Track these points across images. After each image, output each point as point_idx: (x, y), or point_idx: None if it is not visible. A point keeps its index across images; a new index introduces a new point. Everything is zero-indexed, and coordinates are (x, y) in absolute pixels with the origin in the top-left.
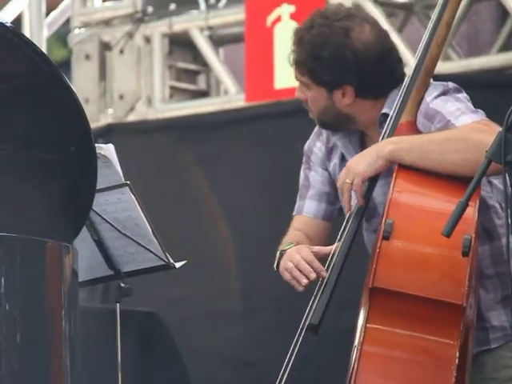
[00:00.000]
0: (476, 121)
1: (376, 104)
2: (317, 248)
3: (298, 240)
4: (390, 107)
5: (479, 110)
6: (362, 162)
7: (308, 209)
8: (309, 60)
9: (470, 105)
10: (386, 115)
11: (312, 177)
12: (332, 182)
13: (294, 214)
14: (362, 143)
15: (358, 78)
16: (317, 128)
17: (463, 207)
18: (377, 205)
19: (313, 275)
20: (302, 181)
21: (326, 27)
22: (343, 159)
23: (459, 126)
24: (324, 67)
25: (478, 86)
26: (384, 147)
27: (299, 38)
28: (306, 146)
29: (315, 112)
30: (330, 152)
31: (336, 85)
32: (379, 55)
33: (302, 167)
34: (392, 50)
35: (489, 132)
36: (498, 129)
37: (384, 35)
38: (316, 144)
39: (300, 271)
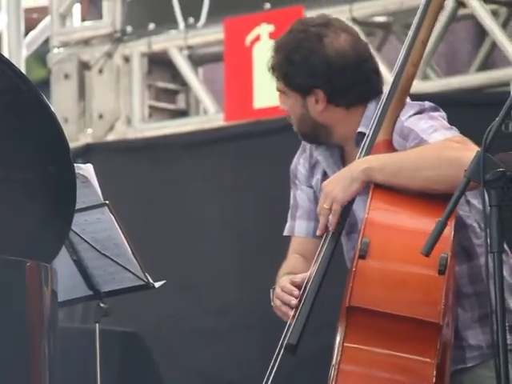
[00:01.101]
0: (448, 137)
1: (350, 115)
2: (299, 276)
3: (293, 267)
4: (366, 125)
5: (453, 127)
6: (338, 187)
7: (299, 229)
8: (283, 64)
9: (445, 122)
10: (362, 134)
11: (299, 196)
12: (317, 198)
13: (285, 233)
14: (343, 159)
15: (328, 82)
16: (301, 146)
17: (442, 226)
18: (357, 220)
19: (293, 302)
20: (292, 200)
21: (302, 33)
22: (325, 174)
23: (432, 142)
24: (296, 71)
25: (457, 105)
26: (357, 167)
27: (277, 44)
28: (292, 166)
29: (295, 122)
30: (312, 168)
31: (308, 89)
32: (352, 63)
33: (291, 187)
34: (368, 60)
35: (461, 148)
36: (470, 144)
37: (361, 45)
38: (300, 161)
39: (284, 303)
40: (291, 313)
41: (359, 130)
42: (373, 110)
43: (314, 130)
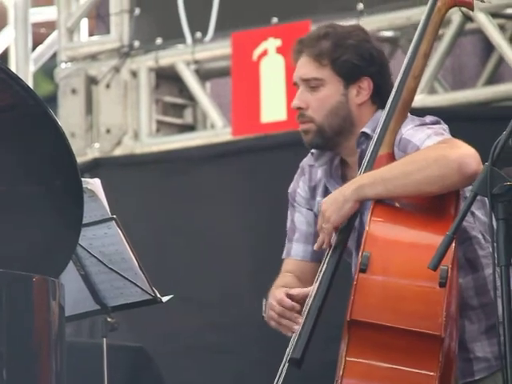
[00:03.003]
0: (438, 141)
1: (372, 114)
2: (296, 290)
3: (286, 283)
4: (370, 127)
5: (446, 133)
6: (331, 208)
7: (295, 252)
8: (334, 48)
9: (440, 130)
10: (365, 134)
11: (297, 219)
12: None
13: (283, 257)
14: (343, 176)
15: (380, 72)
16: (299, 169)
17: (450, 240)
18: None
19: (299, 320)
20: (289, 223)
21: (346, 27)
22: (326, 194)
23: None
24: (350, 54)
25: (464, 119)
26: (348, 188)
27: (319, 34)
28: (290, 189)
29: (320, 117)
30: (313, 190)
31: (358, 75)
32: (388, 63)
33: (289, 210)
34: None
35: (447, 146)
36: (457, 142)
37: None
38: (299, 184)
39: (287, 319)
40: (296, 327)
41: (363, 130)
42: (379, 115)
43: (343, 123)
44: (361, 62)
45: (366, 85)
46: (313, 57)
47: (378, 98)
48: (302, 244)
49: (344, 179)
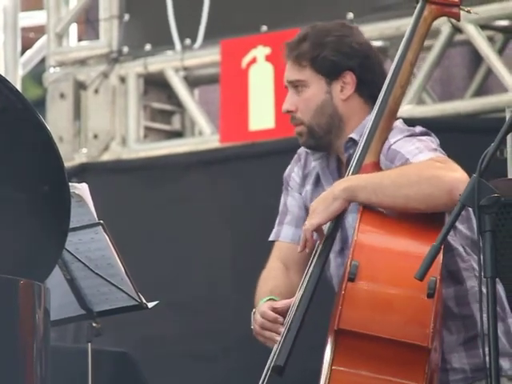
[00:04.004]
0: (432, 157)
1: (363, 110)
2: (280, 303)
3: (273, 283)
4: (358, 133)
5: (439, 149)
6: (320, 206)
7: (285, 234)
8: (313, 48)
9: (432, 144)
10: (353, 140)
11: (289, 202)
12: (306, 207)
13: (270, 238)
14: (339, 170)
15: (360, 65)
16: (296, 155)
17: (437, 251)
18: (348, 236)
19: (281, 330)
20: (281, 207)
21: (328, 25)
22: (317, 185)
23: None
24: (329, 52)
25: (452, 130)
26: (338, 187)
27: (300, 36)
28: (285, 172)
29: (308, 118)
30: (304, 178)
31: (339, 71)
32: (376, 55)
33: (282, 193)
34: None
35: (442, 167)
36: (453, 164)
37: None
38: (294, 169)
39: (269, 330)
40: (278, 338)
41: (351, 135)
42: (367, 119)
43: (331, 120)
44: (339, 57)
45: (349, 79)
46: (293, 59)
47: (366, 90)
48: (292, 227)
49: (340, 175)
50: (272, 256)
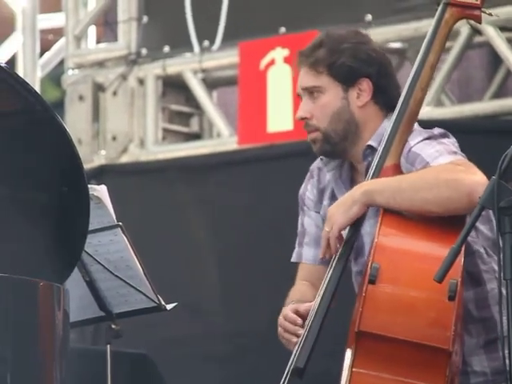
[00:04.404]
0: (451, 161)
1: (378, 117)
2: (305, 305)
3: (301, 294)
4: (376, 140)
5: (459, 152)
6: (339, 211)
7: (306, 256)
8: (329, 54)
9: (452, 147)
10: (371, 147)
11: (306, 222)
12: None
13: (292, 260)
14: (352, 180)
15: (379, 72)
16: (309, 172)
17: (456, 253)
18: (364, 244)
19: (299, 331)
20: (299, 227)
21: (343, 33)
22: (333, 199)
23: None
24: (346, 58)
25: (471, 132)
26: (357, 191)
27: (314, 43)
28: (300, 191)
29: (324, 124)
30: (321, 193)
31: (356, 77)
32: (390, 63)
33: (300, 213)
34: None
35: (461, 170)
36: (473, 168)
37: None
38: (308, 188)
39: (289, 333)
40: (295, 340)
41: (369, 143)
42: (385, 127)
43: (348, 126)
44: (357, 64)
45: (366, 86)
46: (309, 66)
47: (381, 98)
48: (312, 247)
49: (353, 183)
50: (298, 277)
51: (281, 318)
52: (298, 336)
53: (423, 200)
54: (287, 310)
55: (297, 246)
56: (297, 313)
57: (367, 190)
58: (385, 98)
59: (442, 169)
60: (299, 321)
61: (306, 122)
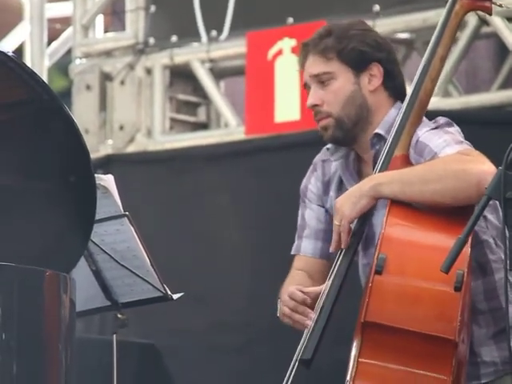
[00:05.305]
0: (459, 151)
1: (387, 104)
2: (310, 289)
3: (298, 281)
4: (383, 128)
5: (465, 141)
6: (347, 203)
7: (305, 248)
8: (338, 41)
9: (458, 136)
10: (379, 136)
11: (307, 215)
12: (329, 218)
13: (292, 252)
14: (359, 171)
15: (388, 58)
16: (312, 165)
17: (462, 243)
18: (375, 234)
19: (312, 315)
20: (299, 220)
21: (347, 22)
22: (340, 189)
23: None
24: (356, 43)
25: (478, 122)
26: (366, 184)
27: (321, 33)
28: (302, 185)
29: (337, 109)
30: (326, 186)
31: (366, 61)
32: (394, 51)
33: (300, 206)
34: None
35: (469, 160)
36: (481, 157)
37: None
38: (311, 181)
39: (300, 314)
40: (308, 322)
41: (377, 131)
42: (393, 116)
43: (360, 111)
44: (367, 48)
45: (377, 71)
46: (319, 53)
47: (391, 83)
48: (312, 240)
49: (360, 174)
50: (293, 267)
51: (285, 297)
52: (310, 319)
53: (433, 192)
54: (292, 288)
55: (296, 238)
56: (302, 293)
57: (376, 183)
58: (394, 83)
59: (449, 159)
60: (308, 300)
61: (317, 109)
